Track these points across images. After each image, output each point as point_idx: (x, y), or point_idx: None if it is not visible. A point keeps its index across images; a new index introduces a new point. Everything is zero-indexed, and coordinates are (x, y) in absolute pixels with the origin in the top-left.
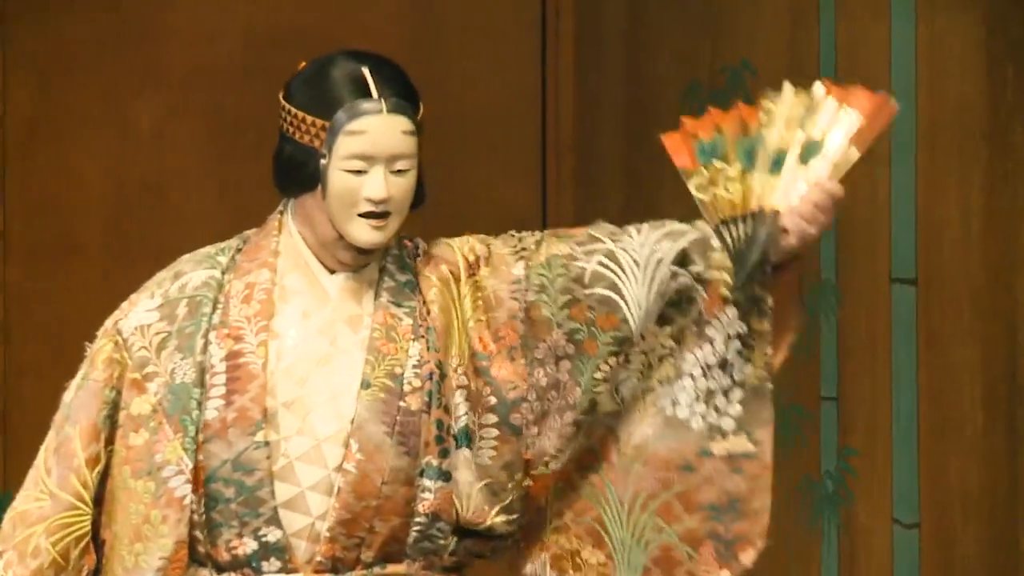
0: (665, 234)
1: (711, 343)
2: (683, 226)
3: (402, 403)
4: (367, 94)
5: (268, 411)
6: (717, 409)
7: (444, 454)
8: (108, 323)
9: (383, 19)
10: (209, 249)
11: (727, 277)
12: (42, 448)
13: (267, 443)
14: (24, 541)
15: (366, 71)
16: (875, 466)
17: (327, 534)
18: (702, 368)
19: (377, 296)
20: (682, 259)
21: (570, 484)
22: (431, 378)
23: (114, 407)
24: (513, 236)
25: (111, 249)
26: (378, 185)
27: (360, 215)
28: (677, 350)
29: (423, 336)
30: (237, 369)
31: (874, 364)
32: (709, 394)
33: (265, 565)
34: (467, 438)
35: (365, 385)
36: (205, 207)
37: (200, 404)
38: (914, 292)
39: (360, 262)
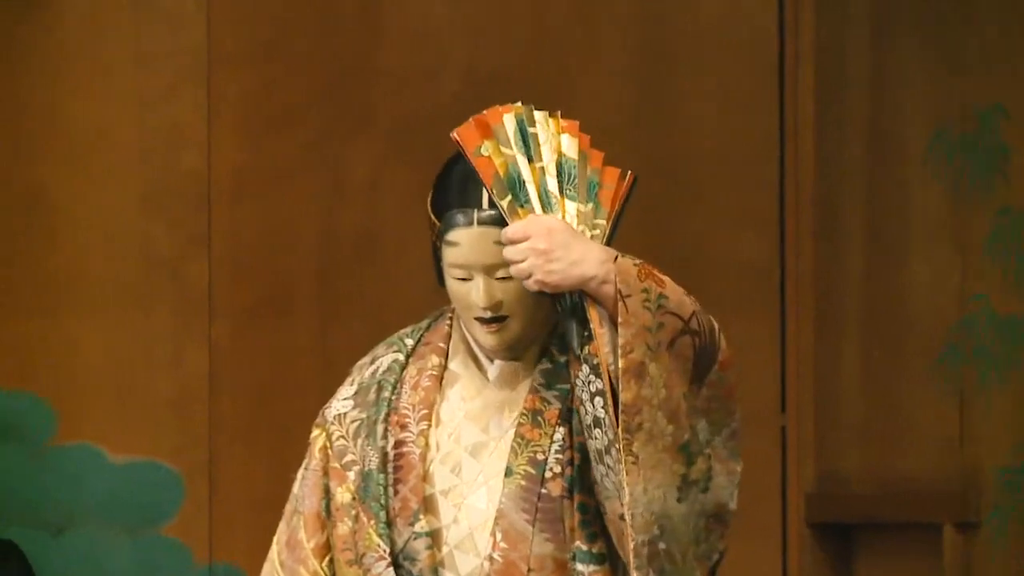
0: None
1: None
2: None
3: (543, 490)
4: (465, 203)
5: (427, 500)
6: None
7: (593, 538)
8: (321, 412)
9: (611, 58)
10: (404, 330)
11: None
12: (274, 540)
13: (428, 533)
14: None
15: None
16: None
17: None
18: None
19: (533, 379)
20: None
21: None
22: (572, 463)
23: (330, 496)
24: None
25: (322, 305)
26: (480, 294)
27: (476, 319)
28: None
29: (569, 420)
30: (401, 458)
31: None
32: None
33: None
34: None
35: (508, 472)
36: (422, 260)
37: (386, 489)
38: None
39: (502, 355)
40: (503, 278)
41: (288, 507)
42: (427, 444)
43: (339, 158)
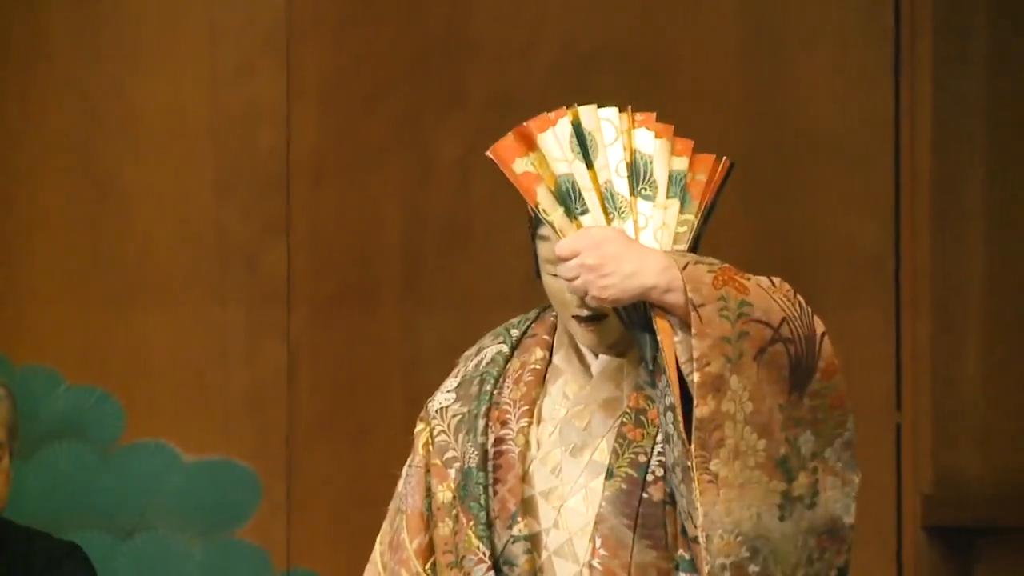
0: None
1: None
2: None
3: (644, 494)
4: None
5: (527, 502)
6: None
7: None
8: (425, 405)
9: (715, 31)
10: (513, 320)
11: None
12: (377, 540)
13: (527, 537)
14: None
15: None
16: None
17: None
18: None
19: (638, 377)
20: None
21: None
22: None
23: (432, 494)
24: None
25: (408, 295)
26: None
27: (573, 316)
28: None
29: None
30: (500, 456)
31: None
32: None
33: None
34: None
35: (609, 475)
36: (514, 246)
37: (486, 489)
38: None
39: (603, 352)
40: None
41: (392, 506)
42: (527, 442)
43: (427, 138)
